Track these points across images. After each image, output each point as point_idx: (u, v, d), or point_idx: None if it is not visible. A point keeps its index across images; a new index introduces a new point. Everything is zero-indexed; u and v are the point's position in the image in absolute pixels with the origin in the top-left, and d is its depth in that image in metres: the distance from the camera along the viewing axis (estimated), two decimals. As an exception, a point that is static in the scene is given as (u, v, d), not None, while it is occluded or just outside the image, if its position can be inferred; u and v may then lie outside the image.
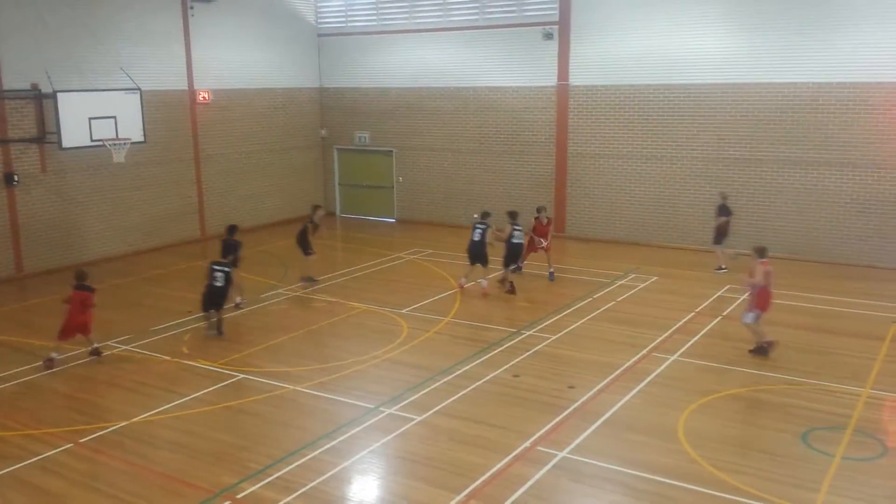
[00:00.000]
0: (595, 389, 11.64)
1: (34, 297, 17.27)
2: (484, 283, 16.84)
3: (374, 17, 25.39)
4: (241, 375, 12.42)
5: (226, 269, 14.29)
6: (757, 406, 11.14)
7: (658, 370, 12.44)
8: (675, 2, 20.41)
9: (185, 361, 13.12)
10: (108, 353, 13.52)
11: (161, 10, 21.44)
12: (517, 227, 17.11)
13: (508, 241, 17.02)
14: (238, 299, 15.69)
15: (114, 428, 10.59)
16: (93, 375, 12.61)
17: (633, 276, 18.27)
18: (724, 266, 18.44)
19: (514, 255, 17.15)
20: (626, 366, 12.60)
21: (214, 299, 14.19)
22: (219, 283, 14.11)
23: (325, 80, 26.69)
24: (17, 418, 10.96)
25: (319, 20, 26.39)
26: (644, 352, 13.23)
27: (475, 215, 23.27)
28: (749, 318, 12.99)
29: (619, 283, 17.70)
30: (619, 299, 16.44)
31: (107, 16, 20.05)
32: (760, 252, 13.08)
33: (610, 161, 22.04)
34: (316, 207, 18.34)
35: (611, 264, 19.30)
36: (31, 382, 12.22)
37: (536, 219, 18.14)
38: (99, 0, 19.82)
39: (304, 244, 17.69)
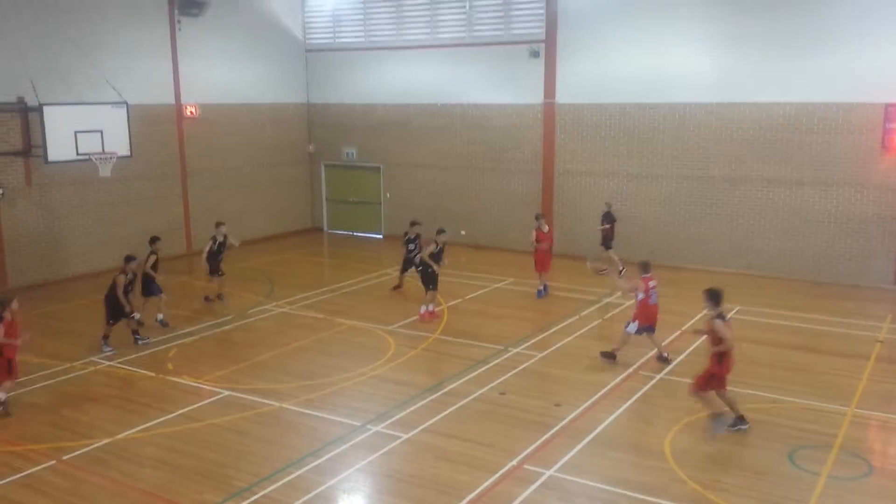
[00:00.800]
0: (582, 408, 11.65)
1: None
2: (422, 308, 16.52)
3: (362, 34, 25.48)
4: (227, 392, 12.34)
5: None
6: (743, 424, 11.15)
7: (644, 388, 12.47)
8: (660, 21, 20.62)
9: (170, 378, 13.04)
10: (92, 368, 13.42)
11: (148, 23, 21.43)
12: (411, 241, 18.01)
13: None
14: (136, 315, 15.25)
15: (97, 445, 10.50)
16: (76, 391, 12.50)
17: (620, 293, 18.29)
18: (604, 268, 19.92)
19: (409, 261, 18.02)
20: (612, 384, 12.62)
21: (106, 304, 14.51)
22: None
23: (312, 96, 26.72)
24: (-1, 435, 10.86)
25: (307, 36, 26.45)
26: (631, 370, 13.26)
27: (462, 232, 23.29)
28: (631, 328, 13.40)
29: (607, 300, 17.74)
30: (606, 317, 16.47)
31: (94, 29, 20.03)
32: (644, 267, 13.64)
33: (596, 179, 22.15)
34: (218, 224, 17.73)
35: (598, 282, 19.33)
36: (13, 398, 12.04)
37: (537, 228, 18.18)
38: (86, 13, 19.84)
39: (211, 264, 17.34)
